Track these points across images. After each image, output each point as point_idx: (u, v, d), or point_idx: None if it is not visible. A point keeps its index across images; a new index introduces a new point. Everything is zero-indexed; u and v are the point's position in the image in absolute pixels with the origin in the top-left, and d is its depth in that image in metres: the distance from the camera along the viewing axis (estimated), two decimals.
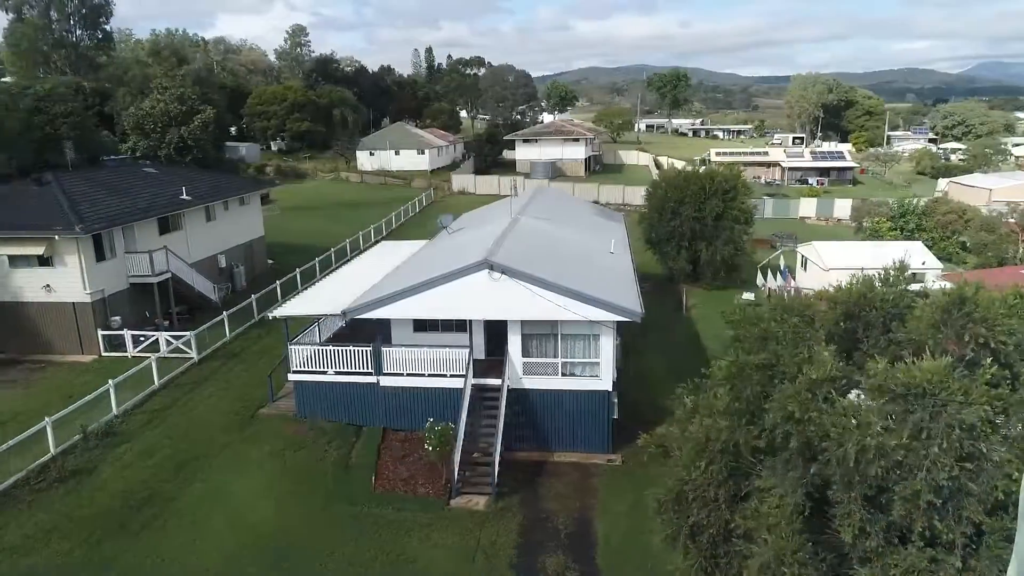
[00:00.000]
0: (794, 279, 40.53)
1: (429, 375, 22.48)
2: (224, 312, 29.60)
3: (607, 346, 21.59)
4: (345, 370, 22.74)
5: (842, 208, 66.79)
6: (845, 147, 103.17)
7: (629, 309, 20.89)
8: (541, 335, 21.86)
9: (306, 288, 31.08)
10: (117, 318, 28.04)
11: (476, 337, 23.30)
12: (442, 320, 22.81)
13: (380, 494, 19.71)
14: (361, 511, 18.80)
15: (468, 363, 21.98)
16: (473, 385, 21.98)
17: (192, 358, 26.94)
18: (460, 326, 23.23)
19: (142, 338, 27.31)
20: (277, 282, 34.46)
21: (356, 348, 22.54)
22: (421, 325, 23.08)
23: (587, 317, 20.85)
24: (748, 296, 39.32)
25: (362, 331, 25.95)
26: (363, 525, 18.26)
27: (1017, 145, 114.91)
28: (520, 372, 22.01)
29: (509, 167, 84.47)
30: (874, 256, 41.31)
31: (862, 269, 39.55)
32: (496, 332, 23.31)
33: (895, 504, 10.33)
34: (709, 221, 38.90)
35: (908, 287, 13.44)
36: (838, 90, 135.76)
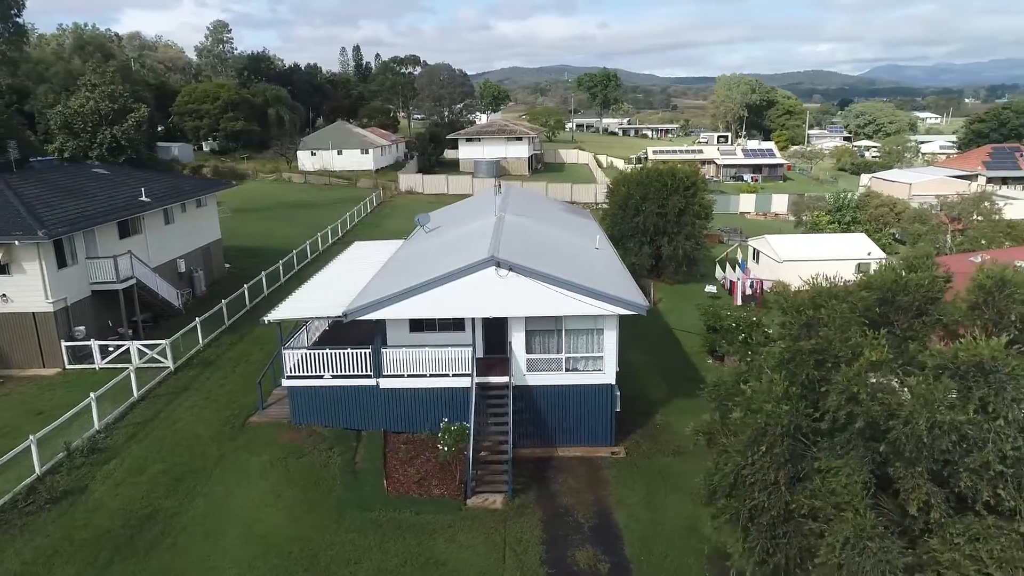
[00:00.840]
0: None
1: (431, 375, 22.17)
2: (197, 319, 28.27)
3: (611, 340, 21.82)
4: (343, 373, 22.15)
5: (779, 203, 69.63)
6: (768, 145, 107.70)
7: (635, 302, 21.20)
8: (545, 331, 21.90)
9: (290, 291, 30.07)
10: (81, 328, 26.38)
11: (471, 335, 23.12)
12: (440, 319, 22.52)
13: (394, 498, 19.30)
14: (379, 516, 18.36)
15: (472, 362, 21.82)
16: (477, 384, 21.84)
17: (168, 367, 25.65)
18: (458, 325, 22.99)
19: (111, 348, 25.78)
20: (245, 286, 33.20)
21: (354, 350, 22.00)
22: (418, 325, 22.71)
23: (595, 311, 21.03)
24: (711, 289, 40.58)
25: (347, 334, 25.41)
26: (384, 530, 17.85)
27: (924, 143, 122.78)
28: (524, 369, 21.99)
29: (451, 166, 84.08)
30: (824, 248, 43.45)
31: (814, 260, 41.12)
32: (494, 330, 23.22)
33: (962, 476, 10.88)
34: (672, 217, 39.86)
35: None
36: (760, 90, 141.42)
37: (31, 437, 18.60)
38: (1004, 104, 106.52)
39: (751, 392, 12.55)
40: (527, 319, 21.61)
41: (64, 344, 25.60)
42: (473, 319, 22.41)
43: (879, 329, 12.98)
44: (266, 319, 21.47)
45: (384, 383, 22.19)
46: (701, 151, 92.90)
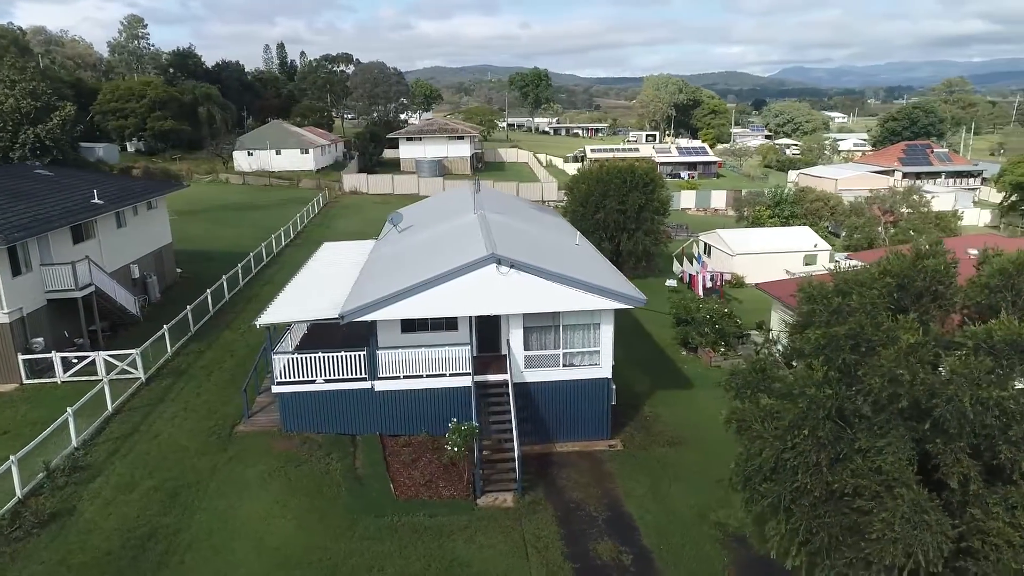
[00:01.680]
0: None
1: (427, 376, 21.85)
2: (165, 327, 26.88)
3: (607, 334, 22.05)
4: (336, 377, 21.54)
5: (718, 199, 71.95)
6: (701, 144, 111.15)
7: (634, 296, 21.50)
8: (543, 327, 21.91)
9: (251, 295, 28.93)
10: (39, 339, 24.65)
11: (466, 333, 22.91)
12: (432, 319, 22.21)
13: (404, 501, 18.93)
14: (393, 521, 17.96)
15: (470, 361, 21.62)
16: (475, 382, 21.66)
17: (140, 378, 24.29)
18: (450, 324, 22.75)
19: (74, 360, 24.21)
20: (208, 291, 31.77)
21: (348, 353, 21.43)
22: (410, 325, 22.33)
23: (593, 306, 21.20)
24: (671, 283, 41.54)
25: (328, 337, 24.74)
26: (400, 534, 17.48)
27: (839, 140, 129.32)
28: (522, 366, 21.94)
29: (390, 166, 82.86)
30: (773, 241, 45.21)
31: (766, 253, 42.69)
32: (487, 327, 23.10)
33: (1001, 448, 11.56)
34: (631, 213, 40.59)
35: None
36: (687, 90, 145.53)
37: (12, 458, 17.27)
38: (914, 104, 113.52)
39: (793, 378, 12.90)
40: (525, 316, 21.56)
41: (21, 357, 23.86)
42: (471, 318, 22.20)
43: (902, 313, 13.62)
44: (258, 323, 20.64)
45: (379, 385, 21.72)
46: (637, 149, 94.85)
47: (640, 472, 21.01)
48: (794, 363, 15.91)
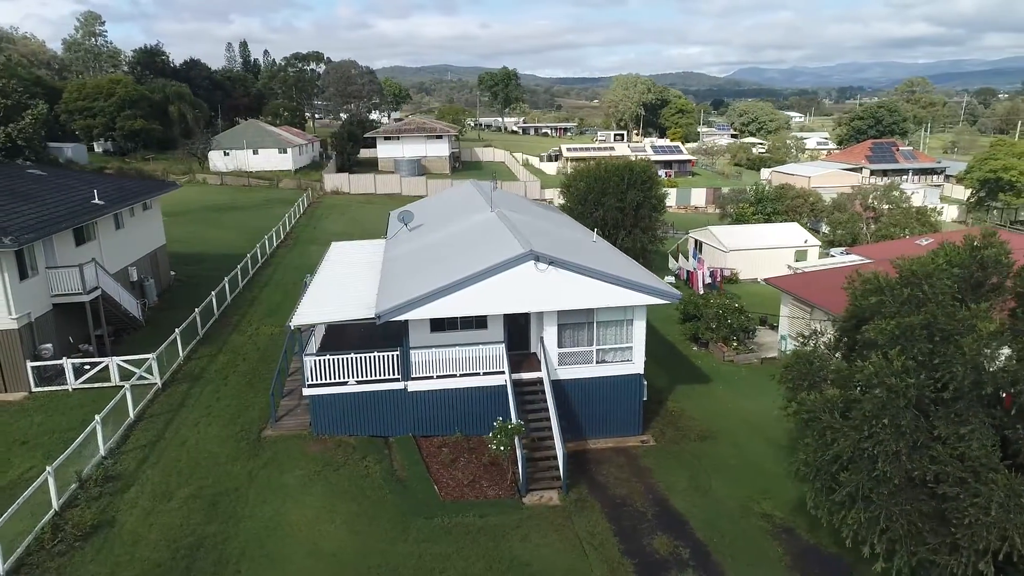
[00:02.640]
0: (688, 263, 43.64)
1: (461, 375, 21.62)
2: (176, 331, 26.07)
3: (640, 330, 22.10)
4: (369, 378, 21.17)
5: (697, 196, 72.84)
6: (674, 143, 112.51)
7: (668, 291, 21.59)
8: (576, 324, 21.84)
9: (250, 297, 28.22)
10: (48, 346, 23.68)
11: (496, 331, 22.75)
12: (462, 317, 21.98)
13: (451, 503, 18.69)
14: (444, 522, 17.71)
15: (505, 359, 21.46)
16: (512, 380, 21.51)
17: (156, 384, 23.51)
18: (479, 322, 22.57)
19: (86, 367, 23.32)
20: (212, 294, 30.91)
21: (380, 354, 21.08)
22: (439, 324, 22.08)
23: (627, 302, 21.23)
24: (669, 279, 41.86)
25: (348, 337, 24.30)
26: (454, 536, 17.23)
27: (804, 139, 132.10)
28: (556, 363, 21.84)
29: (367, 166, 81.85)
30: (765, 237, 45.93)
31: (758, 248, 43.24)
32: (516, 325, 22.96)
33: None
34: (630, 210, 40.75)
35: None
36: (655, 89, 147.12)
37: (48, 469, 16.52)
38: (879, 103, 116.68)
39: (873, 368, 13.08)
40: (559, 313, 21.47)
41: (30, 365, 22.88)
42: (502, 316, 22.02)
43: (963, 303, 13.91)
44: (292, 323, 20.14)
45: (412, 386, 21.41)
46: (613, 148, 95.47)
47: (677, 467, 21.10)
48: (838, 355, 16.16)
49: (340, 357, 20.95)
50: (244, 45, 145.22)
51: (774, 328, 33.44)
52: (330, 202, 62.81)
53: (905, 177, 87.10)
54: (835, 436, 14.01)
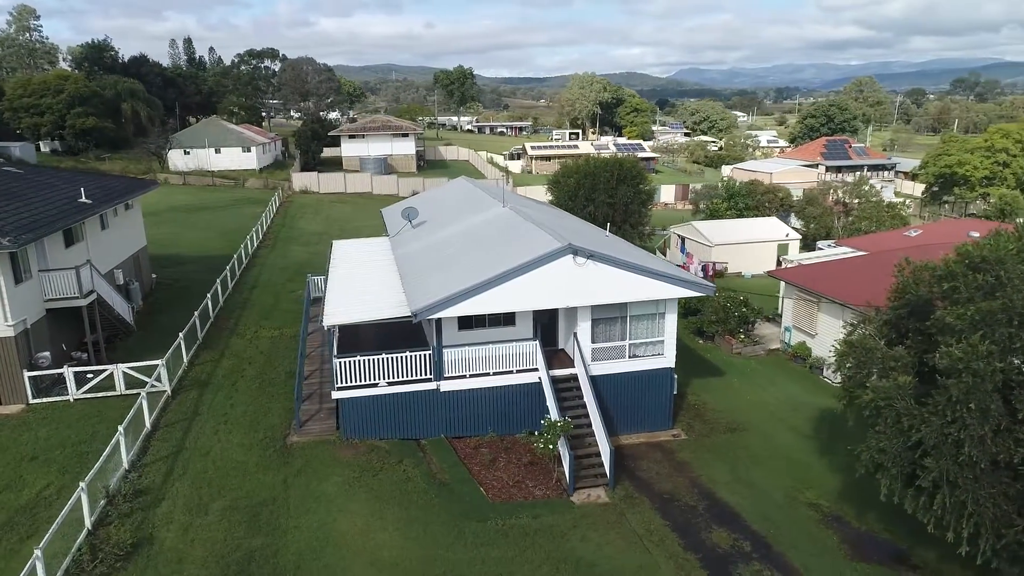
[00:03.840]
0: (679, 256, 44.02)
1: (494, 373, 21.09)
2: (180, 335, 24.73)
3: (671, 323, 21.97)
4: (400, 379, 20.44)
5: (667, 193, 73.72)
6: (628, 140, 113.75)
7: (702, 283, 21.51)
8: (609, 319, 21.56)
9: (241, 300, 26.99)
10: (46, 354, 22.13)
11: (525, 328, 22.32)
12: (490, 315, 21.43)
13: (500, 504, 18.16)
14: (498, 525, 17.18)
15: (539, 355, 21.03)
16: (540, 378, 21.11)
17: (166, 391, 22.23)
18: (507, 319, 22.09)
19: (89, 376, 21.88)
20: (208, 297, 29.48)
21: (412, 354, 20.39)
22: (467, 322, 21.51)
23: (665, 295, 21.07)
24: None
25: (365, 338, 23.44)
26: (512, 538, 16.73)
27: (756, 136, 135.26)
28: (589, 359, 21.51)
29: (330, 164, 80.00)
30: (748, 232, 46.61)
31: (743, 243, 43.73)
32: (543, 321, 22.56)
33: None
34: (620, 206, 40.77)
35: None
36: (610, 88, 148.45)
37: (81, 484, 15.32)
38: (830, 102, 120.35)
39: (960, 353, 13.12)
40: (593, 308, 21.16)
41: (27, 374, 21.34)
42: (532, 312, 21.58)
43: None
44: (324, 324, 19.24)
45: (445, 386, 20.77)
46: (576, 146, 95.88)
47: (714, 460, 21.02)
48: (882, 342, 16.26)
49: (370, 358, 20.15)
50: (189, 42, 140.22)
51: (770, 320, 33.86)
52: (301, 201, 61.09)
53: (859, 173, 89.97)
54: (912, 423, 14.05)
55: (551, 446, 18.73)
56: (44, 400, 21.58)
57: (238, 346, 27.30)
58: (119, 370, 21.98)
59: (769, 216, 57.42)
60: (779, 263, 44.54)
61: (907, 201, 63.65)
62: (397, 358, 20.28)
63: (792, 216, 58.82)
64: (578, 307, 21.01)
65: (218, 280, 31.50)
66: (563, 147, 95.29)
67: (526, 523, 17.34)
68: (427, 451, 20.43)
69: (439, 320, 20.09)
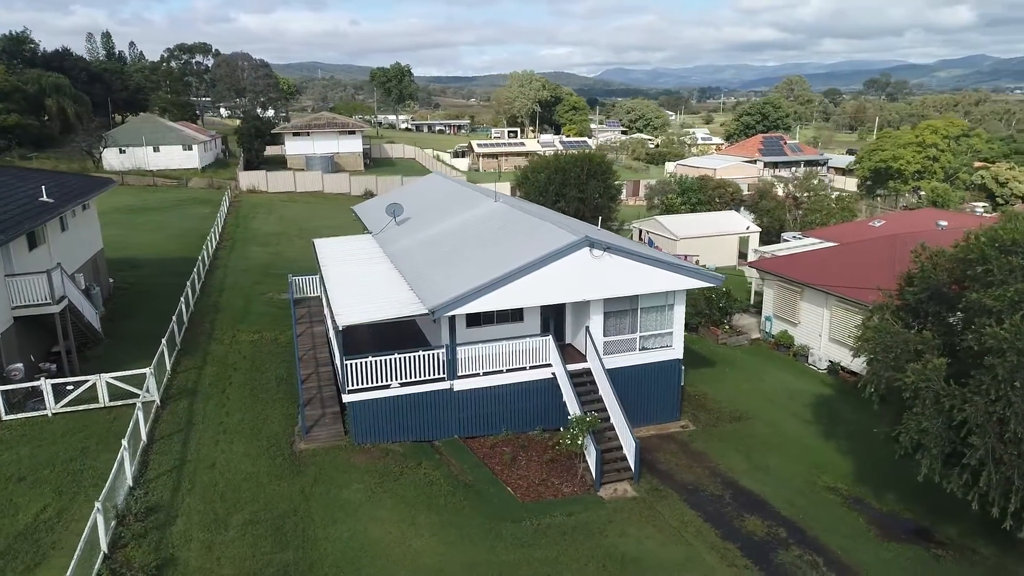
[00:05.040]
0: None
1: (508, 370, 20.63)
2: (163, 342, 23.18)
3: (680, 314, 22.01)
4: (412, 380, 19.74)
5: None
6: (548, 138, 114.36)
7: (712, 274, 21.61)
8: (620, 312, 21.42)
9: (210, 303, 25.58)
10: (19, 366, 20.36)
11: (533, 324, 21.96)
12: (498, 311, 20.95)
13: (531, 504, 17.75)
14: (534, 524, 16.76)
15: (555, 350, 20.70)
16: (554, 373, 20.80)
17: (156, 401, 20.79)
18: (516, 315, 21.68)
19: (69, 387, 20.23)
20: (181, 301, 27.81)
21: (424, 353, 19.72)
22: (475, 319, 20.99)
23: (676, 286, 21.08)
24: None
25: (356, 341, 22.53)
26: (551, 538, 16.34)
27: (694, 134, 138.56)
28: (601, 352, 21.29)
29: (273, 163, 77.36)
30: (711, 225, 47.51)
31: (708, 236, 44.48)
32: (550, 316, 22.25)
33: None
34: (591, 201, 40.84)
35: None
36: (549, 87, 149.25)
37: (97, 504, 14.03)
38: (765, 100, 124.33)
39: (1007, 334, 13.49)
40: (606, 301, 20.96)
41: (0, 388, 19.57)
42: (539, 307, 21.21)
43: None
44: (340, 324, 18.28)
45: (458, 385, 20.18)
46: (523, 144, 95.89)
47: (728, 449, 21.15)
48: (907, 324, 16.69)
49: (381, 359, 19.36)
50: (108, 36, 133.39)
51: (745, 311, 34.49)
52: (251, 201, 58.74)
53: (794, 169, 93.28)
54: (953, 403, 14.40)
55: (579, 442, 18.41)
56: (19, 416, 19.81)
57: (219, 352, 25.87)
58: (103, 380, 20.40)
59: (722, 210, 58.99)
60: (742, 256, 45.66)
61: (852, 195, 66.19)
62: (407, 358, 19.56)
63: (742, 210, 60.46)
64: (591, 300, 20.76)
65: (188, 284, 29.79)
66: (510, 145, 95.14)
67: (561, 521, 16.98)
68: (443, 453, 19.80)
69: (452, 317, 19.47)
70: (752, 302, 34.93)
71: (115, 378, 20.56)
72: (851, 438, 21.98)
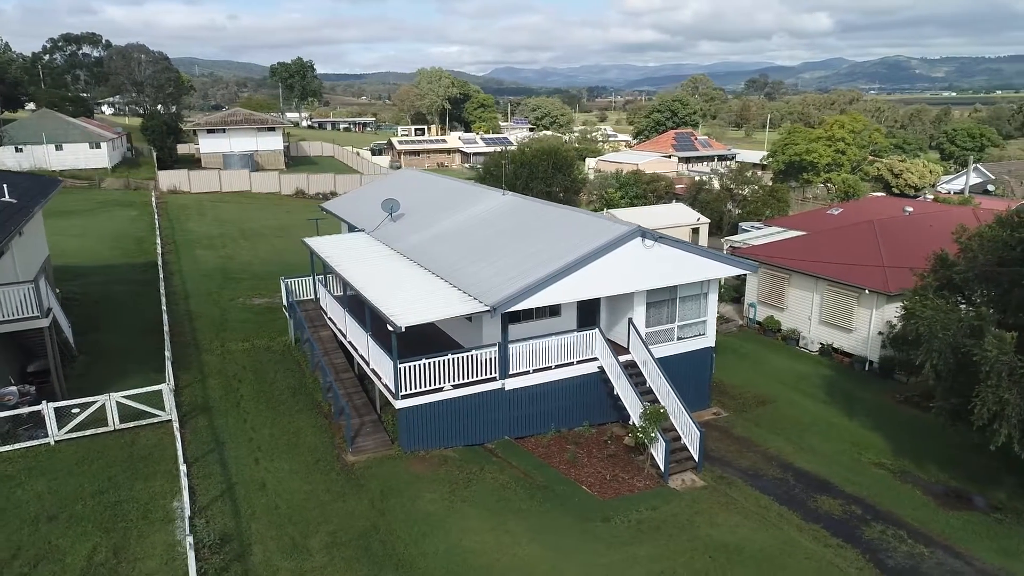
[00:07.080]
0: None
1: (555, 367, 20.06)
2: (167, 355, 20.95)
3: (713, 302, 22.17)
4: (465, 381, 18.81)
5: None
6: (470, 135, 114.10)
7: (744, 262, 21.87)
8: (660, 302, 21.31)
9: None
10: (12, 389, 17.75)
11: (569, 318, 21.52)
12: (537, 308, 20.34)
13: (612, 501, 17.30)
14: (624, 522, 16.35)
15: (603, 344, 20.32)
16: (600, 367, 20.46)
17: (172, 420, 18.70)
18: (553, 310, 21.20)
19: (75, 411, 17.84)
20: (163, 309, 25.27)
21: (476, 351, 18.85)
22: (515, 316, 20.28)
23: (714, 275, 21.24)
24: None
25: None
26: (648, 534, 15.97)
27: (607, 131, 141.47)
28: (644, 343, 21.10)
29: (185, 162, 72.38)
30: (663, 218, 48.43)
31: (661, 228, 44.93)
32: (584, 310, 21.86)
33: None
34: (556, 194, 40.75)
35: None
36: (457, 84, 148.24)
37: (188, 541, 12.35)
38: (674, 97, 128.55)
39: None
40: (648, 292, 20.79)
41: None
42: (576, 302, 20.76)
43: None
44: (400, 325, 17.04)
45: (510, 384, 19.42)
46: (445, 140, 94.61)
47: (767, 432, 21.51)
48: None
49: (431, 361, 18.31)
50: None
51: (721, 299, 35.34)
52: (178, 202, 54.53)
53: (708, 163, 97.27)
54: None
55: (652, 434, 18.12)
56: (17, 447, 17.30)
57: (213, 363, 23.72)
58: (112, 400, 18.14)
59: (655, 204, 60.44)
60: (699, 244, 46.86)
61: (785, 186, 69.45)
62: (456, 359, 18.61)
63: (675, 202, 62.26)
64: (634, 292, 20.53)
65: (157, 292, 27.21)
66: (431, 142, 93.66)
67: (648, 516, 16.65)
68: (499, 455, 19.01)
69: (505, 314, 18.67)
70: (723, 290, 35.84)
71: (126, 397, 18.34)
72: (871, 415, 22.89)
